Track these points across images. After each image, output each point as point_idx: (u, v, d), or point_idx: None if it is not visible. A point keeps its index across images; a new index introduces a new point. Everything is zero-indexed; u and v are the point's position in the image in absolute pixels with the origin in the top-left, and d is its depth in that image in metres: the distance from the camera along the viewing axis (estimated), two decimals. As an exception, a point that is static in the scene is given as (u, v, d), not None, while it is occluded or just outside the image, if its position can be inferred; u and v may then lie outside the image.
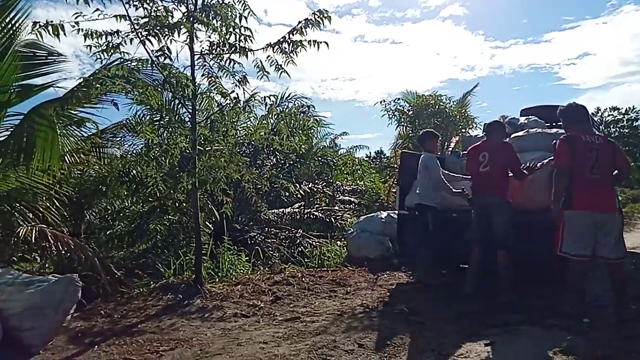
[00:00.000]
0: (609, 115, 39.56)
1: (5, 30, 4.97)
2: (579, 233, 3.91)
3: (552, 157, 4.94)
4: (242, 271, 6.00)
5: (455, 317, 4.15)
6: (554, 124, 6.86)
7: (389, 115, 12.13)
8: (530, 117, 6.60)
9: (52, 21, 3.98)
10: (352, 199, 10.67)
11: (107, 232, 7.42)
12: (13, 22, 4.96)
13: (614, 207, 4.08)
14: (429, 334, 3.75)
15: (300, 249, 7.35)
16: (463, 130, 12.05)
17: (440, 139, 6.10)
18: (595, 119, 7.44)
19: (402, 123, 12.55)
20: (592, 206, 3.93)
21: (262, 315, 4.40)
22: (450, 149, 12.24)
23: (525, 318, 4.05)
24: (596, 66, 69.69)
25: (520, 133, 5.98)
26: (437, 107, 11.97)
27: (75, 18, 4.05)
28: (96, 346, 3.65)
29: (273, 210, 8.59)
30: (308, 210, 8.95)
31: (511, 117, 6.68)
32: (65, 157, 5.17)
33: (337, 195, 10.56)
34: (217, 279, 5.55)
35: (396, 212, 6.41)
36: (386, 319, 4.23)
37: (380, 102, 12.16)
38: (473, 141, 7.21)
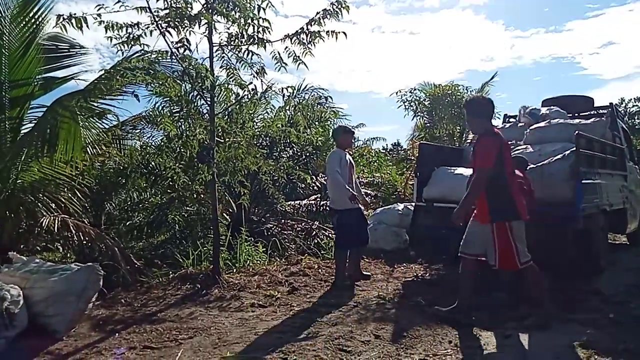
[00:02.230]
0: (633, 106, 38.55)
1: (29, 25, 5.09)
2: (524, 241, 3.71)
3: (574, 148, 4.87)
4: (259, 262, 6.05)
5: (472, 309, 4.12)
6: (576, 114, 6.75)
7: (405, 106, 12.00)
8: (552, 107, 6.49)
9: (75, 14, 4.04)
10: (369, 191, 10.63)
11: (127, 223, 7.54)
12: (37, 16, 5.06)
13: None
14: (445, 326, 3.74)
15: (316, 241, 7.36)
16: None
17: (354, 135, 5.96)
18: (620, 109, 7.25)
19: (419, 114, 12.40)
20: (526, 212, 3.72)
21: (279, 305, 4.44)
22: (469, 141, 12.10)
23: (543, 312, 4.00)
24: (620, 56, 68.00)
25: (542, 124, 5.89)
26: (454, 97, 11.79)
27: (98, 10, 4.10)
28: (117, 334, 3.73)
29: (289, 202, 8.61)
30: (324, 202, 8.95)
31: (532, 107, 6.58)
32: (88, 149, 5.27)
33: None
34: (235, 270, 5.61)
35: (413, 204, 6.38)
36: (402, 310, 4.23)
37: (396, 92, 11.99)
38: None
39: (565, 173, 4.86)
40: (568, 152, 4.98)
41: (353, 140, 5.56)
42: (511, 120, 7.36)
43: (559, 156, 5.01)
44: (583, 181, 4.81)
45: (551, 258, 5.10)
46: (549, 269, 5.11)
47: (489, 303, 4.26)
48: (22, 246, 5.43)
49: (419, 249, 6.43)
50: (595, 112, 6.93)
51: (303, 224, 8.25)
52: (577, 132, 4.99)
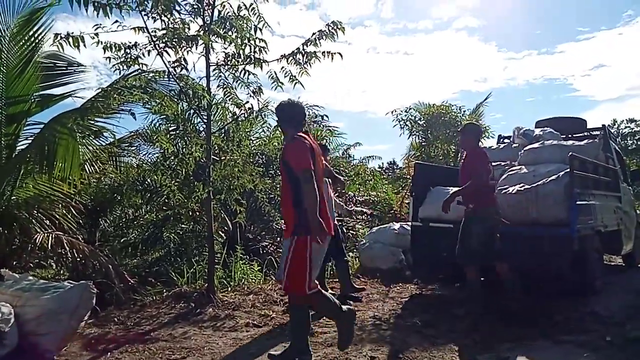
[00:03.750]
0: (625, 127, 38.96)
1: (28, 43, 5.14)
2: (319, 263, 3.30)
3: (568, 170, 4.92)
4: (254, 281, 6.01)
5: (469, 331, 4.09)
6: (569, 135, 6.83)
7: (400, 125, 12.10)
8: (545, 128, 6.56)
9: (72, 33, 4.09)
10: (365, 210, 10.64)
11: (121, 240, 7.51)
12: (36, 34, 5.12)
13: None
14: (442, 348, 3.71)
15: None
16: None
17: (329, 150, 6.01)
18: (612, 131, 7.35)
19: (415, 133, 12.49)
20: (329, 228, 3.23)
21: (273, 325, 4.40)
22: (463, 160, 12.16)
23: (539, 332, 3.99)
24: (612, 78, 68.93)
25: (536, 145, 5.94)
26: (448, 116, 11.91)
27: (95, 30, 4.15)
28: (109, 353, 3.68)
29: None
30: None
31: (526, 128, 6.64)
32: (85, 166, 5.27)
33: (350, 206, 10.53)
34: (229, 288, 5.56)
35: (409, 223, 6.38)
36: (398, 331, 4.20)
37: (392, 112, 12.09)
38: (487, 152, 7.21)
39: (560, 194, 4.89)
40: (562, 173, 5.01)
41: (328, 157, 5.57)
42: (505, 140, 7.43)
43: (553, 177, 5.04)
44: (577, 202, 4.84)
45: (546, 279, 5.11)
46: (544, 289, 5.13)
47: (486, 323, 4.24)
48: (14, 262, 5.38)
49: (421, 270, 6.36)
50: (589, 134, 7.01)
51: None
52: (570, 153, 5.03)
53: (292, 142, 3.26)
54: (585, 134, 7.07)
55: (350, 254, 7.73)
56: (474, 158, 4.71)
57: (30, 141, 5.40)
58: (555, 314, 4.49)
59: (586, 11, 69.19)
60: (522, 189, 5.13)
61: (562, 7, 69.65)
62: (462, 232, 4.61)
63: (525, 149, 6.00)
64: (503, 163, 6.22)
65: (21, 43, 5.17)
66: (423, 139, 12.09)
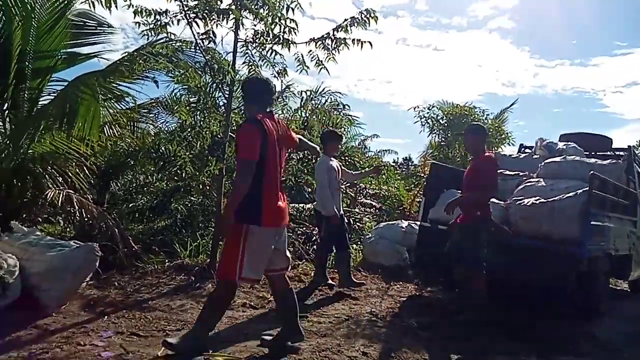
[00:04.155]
0: (651, 149, 38.11)
1: (61, -1, 5.11)
2: (263, 254, 3.07)
3: (587, 188, 4.81)
4: (256, 261, 6.02)
5: (465, 339, 4.06)
6: (593, 153, 6.67)
7: (421, 122, 11.96)
8: (569, 143, 6.41)
9: (105, -8, 4.05)
10: (374, 203, 10.59)
11: (130, 205, 7.56)
12: (69, -10, 5.10)
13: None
14: (435, 353, 3.69)
15: (315, 247, 7.33)
16: (497, 146, 11.78)
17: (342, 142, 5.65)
18: (637, 153, 7.16)
19: (435, 132, 12.35)
20: (282, 219, 3.14)
21: (269, 309, 4.41)
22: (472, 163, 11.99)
23: (534, 349, 3.94)
24: (643, 97, 67.13)
25: (558, 159, 5.82)
26: (470, 118, 11.73)
27: (128, -8, 4.11)
28: (106, 316, 3.73)
29: (293, 205, 8.59)
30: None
31: (549, 140, 6.51)
32: (104, 129, 5.28)
33: (359, 197, 10.49)
34: (231, 266, 5.58)
35: (417, 222, 6.33)
36: (393, 330, 4.18)
37: (414, 108, 11.96)
38: (506, 159, 7.10)
39: (575, 211, 4.79)
40: (580, 190, 4.90)
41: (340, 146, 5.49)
42: (527, 150, 7.29)
43: (571, 194, 4.94)
44: (592, 222, 4.74)
45: (550, 296, 5.04)
46: (547, 306, 5.06)
47: (483, 333, 4.20)
48: (24, 215, 5.46)
49: (422, 271, 6.32)
50: (613, 153, 6.84)
51: (304, 228, 8.22)
52: (592, 172, 4.92)
53: (244, 125, 3.11)
54: (609, 153, 6.90)
55: (354, 246, 7.72)
56: (490, 165, 4.53)
57: (52, 97, 5.43)
58: (554, 332, 4.43)
59: (626, 26, 67.26)
60: (537, 201, 5.03)
61: (601, 20, 67.85)
62: (472, 240, 4.43)
63: (546, 161, 5.88)
64: (521, 173, 6.11)
65: (54, -1, 5.17)
66: (442, 139, 11.94)
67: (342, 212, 5.31)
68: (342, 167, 5.47)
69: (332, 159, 5.24)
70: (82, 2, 4.22)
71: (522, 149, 7.51)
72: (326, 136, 5.41)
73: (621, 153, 6.69)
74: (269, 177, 3.00)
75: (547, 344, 4.08)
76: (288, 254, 3.37)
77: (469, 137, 4.60)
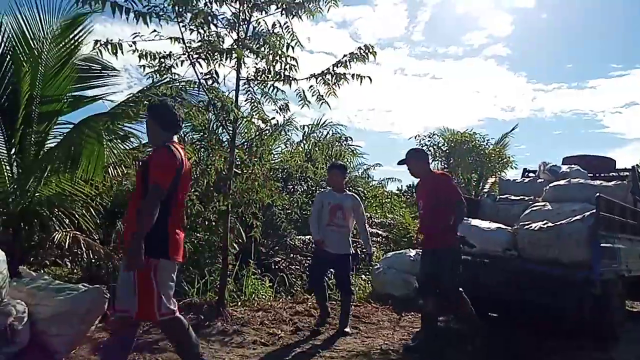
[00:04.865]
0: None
1: (68, 45, 5.29)
2: (171, 288, 2.92)
3: (594, 210, 4.79)
4: (264, 297, 5.97)
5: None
6: (597, 175, 6.68)
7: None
8: (572, 166, 6.43)
9: (112, 40, 4.19)
10: (380, 232, 10.54)
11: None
12: (76, 37, 5.27)
13: None
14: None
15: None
16: (499, 171, 11.83)
17: (344, 171, 5.26)
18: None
19: (437, 159, 12.44)
20: (182, 253, 3.00)
21: (281, 345, 4.34)
22: (485, 190, 12.02)
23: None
24: (643, 116, 67.37)
25: (562, 182, 5.82)
26: (472, 144, 11.83)
27: (133, 38, 4.25)
28: None
29: (300, 237, 8.56)
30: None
31: (553, 164, 6.53)
32: (109, 170, 5.34)
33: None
34: (239, 303, 5.53)
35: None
36: (408, 363, 4.10)
37: (415, 136, 12.13)
38: (510, 184, 7.11)
39: (584, 235, 4.75)
40: (587, 213, 4.88)
41: (342, 178, 5.15)
42: (530, 175, 7.31)
43: (578, 217, 4.91)
44: (602, 245, 4.70)
45: (565, 321, 4.95)
46: (562, 331, 4.96)
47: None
48: (32, 259, 5.45)
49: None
50: (617, 174, 6.85)
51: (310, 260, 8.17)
52: (598, 194, 4.91)
53: (162, 151, 2.84)
54: (614, 174, 6.91)
55: (363, 276, 7.65)
56: (445, 183, 4.38)
57: (58, 140, 5.52)
58: (570, 357, 4.33)
59: (621, 48, 68.19)
60: (545, 226, 5.00)
61: (595, 43, 68.77)
62: (454, 262, 4.28)
63: (550, 185, 5.89)
64: (527, 198, 6.11)
65: (61, 45, 5.34)
66: (445, 165, 12.01)
67: (345, 252, 4.91)
68: (355, 208, 5.02)
69: (335, 192, 5.05)
70: (91, 51, 4.31)
71: (526, 174, 7.53)
72: (328, 168, 5.45)
73: (626, 174, 6.70)
74: (176, 208, 2.87)
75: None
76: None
77: (412, 163, 4.51)
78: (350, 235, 5.02)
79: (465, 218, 4.55)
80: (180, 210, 2.94)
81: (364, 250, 5.19)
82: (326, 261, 4.96)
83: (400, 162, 4.53)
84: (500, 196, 6.76)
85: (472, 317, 4.45)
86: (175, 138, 2.99)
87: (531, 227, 5.08)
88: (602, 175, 6.75)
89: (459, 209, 4.26)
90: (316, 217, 4.96)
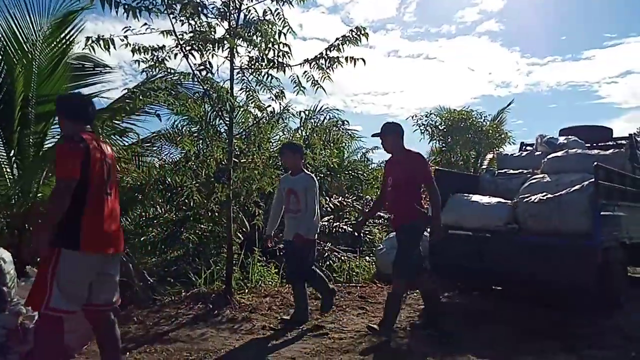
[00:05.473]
0: (652, 135, 38.04)
1: (60, 44, 5.27)
2: (79, 283, 2.73)
3: (592, 180, 4.82)
4: (271, 283, 6.04)
5: (489, 342, 4.04)
6: (594, 144, 6.70)
7: (420, 130, 12.05)
8: (569, 137, 6.45)
9: (103, 35, 4.18)
10: (381, 213, 10.59)
11: (141, 238, 7.58)
12: (68, 36, 5.26)
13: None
14: (460, 359, 3.67)
15: (328, 263, 7.33)
16: (497, 147, 11.83)
17: (295, 152, 4.75)
18: (639, 139, 7.18)
19: (435, 138, 12.42)
20: (108, 244, 2.82)
21: (290, 329, 4.41)
22: (484, 167, 12.04)
23: (561, 346, 3.92)
24: (639, 85, 67.11)
25: (560, 153, 5.85)
26: (469, 122, 11.82)
27: (125, 32, 4.23)
28: (128, 353, 3.73)
29: (302, 222, 8.61)
30: (337, 224, 8.93)
31: (550, 136, 6.54)
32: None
33: (367, 210, 10.50)
34: (247, 290, 5.60)
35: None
36: (416, 341, 4.17)
37: (412, 117, 12.08)
38: (508, 159, 7.13)
39: (584, 204, 4.79)
40: (586, 183, 4.91)
41: (295, 159, 4.67)
42: (528, 148, 7.32)
43: (577, 187, 4.95)
44: (602, 213, 4.75)
45: (568, 291, 5.02)
46: (565, 301, 5.04)
47: (506, 334, 4.18)
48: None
49: (439, 277, 6.28)
50: (614, 143, 6.87)
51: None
52: (595, 162, 4.94)
53: (64, 143, 2.77)
54: (611, 143, 6.92)
55: (367, 258, 7.72)
56: (422, 164, 4.25)
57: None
58: (577, 327, 4.41)
59: (614, 17, 67.42)
60: (544, 198, 5.04)
61: (588, 13, 68.01)
62: (413, 237, 4.17)
63: (548, 157, 5.92)
64: (525, 171, 6.14)
65: (53, 45, 5.33)
66: (443, 145, 12.00)
67: (293, 237, 4.51)
68: (308, 190, 4.51)
69: (291, 175, 4.71)
70: (83, 48, 4.30)
71: (523, 147, 7.54)
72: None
73: (623, 142, 6.71)
74: (92, 199, 2.74)
75: (573, 340, 4.06)
76: (117, 290, 3.01)
77: (387, 137, 4.27)
78: (311, 218, 4.50)
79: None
80: (100, 201, 2.77)
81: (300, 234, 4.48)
82: (289, 250, 4.72)
83: (375, 135, 4.30)
84: (499, 171, 6.79)
85: (435, 296, 4.41)
86: (87, 127, 2.87)
87: (531, 199, 5.12)
88: (600, 144, 6.76)
89: (435, 194, 4.16)
90: (274, 207, 4.77)
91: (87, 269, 2.73)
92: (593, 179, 4.81)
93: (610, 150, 6.09)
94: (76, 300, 2.73)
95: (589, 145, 6.47)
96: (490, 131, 11.81)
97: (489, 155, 12.62)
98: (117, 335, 3.02)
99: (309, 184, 4.54)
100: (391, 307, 4.18)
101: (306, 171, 4.80)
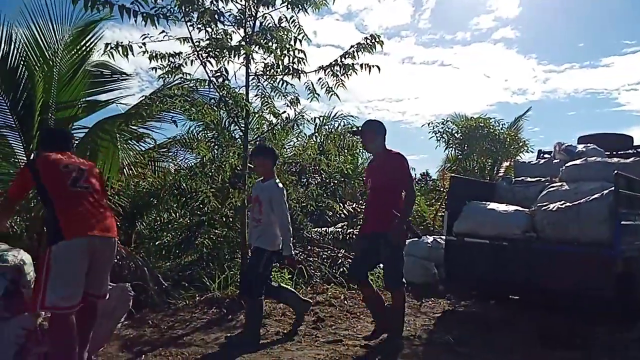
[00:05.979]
0: (673, 143, 37.15)
1: (80, 52, 5.39)
2: (73, 271, 2.93)
3: (612, 188, 4.73)
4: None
5: (505, 351, 3.98)
6: (614, 152, 6.57)
7: (437, 137, 11.96)
8: (588, 145, 6.34)
9: (122, 42, 4.26)
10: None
11: (156, 243, 7.67)
12: (87, 44, 5.38)
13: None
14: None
15: (342, 269, 7.30)
16: (514, 155, 11.68)
17: (264, 156, 4.33)
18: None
19: (451, 145, 12.32)
20: (92, 227, 3.01)
21: (303, 335, 4.39)
22: (500, 175, 11.90)
23: (580, 357, 3.83)
24: (659, 92, 65.77)
25: (579, 161, 5.75)
26: (486, 130, 11.70)
27: (143, 40, 4.31)
28: (144, 355, 3.76)
29: (316, 229, 8.61)
30: (350, 230, 8.91)
31: (568, 144, 6.44)
32: (124, 170, 5.44)
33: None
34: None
35: (442, 237, 6.27)
36: (430, 348, 4.12)
37: (428, 124, 12.00)
38: (526, 167, 7.04)
39: (603, 213, 4.70)
40: (606, 191, 4.82)
41: (264, 164, 4.28)
42: (546, 156, 7.22)
43: (596, 195, 4.86)
44: (622, 222, 4.65)
45: (588, 301, 4.91)
46: (585, 312, 4.93)
47: (524, 343, 4.10)
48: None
49: (455, 285, 6.21)
50: (635, 151, 6.73)
51: (329, 251, 8.21)
52: (616, 171, 4.85)
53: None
54: (632, 151, 6.79)
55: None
56: (403, 165, 3.97)
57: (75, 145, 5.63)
58: (598, 339, 4.31)
59: (632, 24, 66.50)
60: (563, 206, 4.96)
61: (606, 20, 67.26)
62: (400, 250, 4.03)
63: (567, 165, 5.81)
64: (543, 179, 6.05)
65: (73, 52, 5.45)
66: (459, 152, 11.89)
67: (258, 244, 4.18)
68: (272, 198, 4.12)
69: (261, 182, 4.36)
70: (102, 55, 4.40)
71: (541, 155, 7.44)
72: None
73: (643, 150, 6.58)
74: (60, 198, 2.97)
75: (593, 352, 3.96)
76: (107, 281, 3.19)
77: (368, 135, 4.07)
78: (270, 230, 4.16)
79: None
80: (70, 197, 3.01)
81: (281, 251, 4.19)
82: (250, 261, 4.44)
83: (355, 133, 4.09)
84: (516, 179, 6.71)
85: (400, 314, 4.11)
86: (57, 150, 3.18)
87: (549, 207, 5.04)
88: (620, 152, 6.64)
89: (410, 197, 4.00)
90: (251, 215, 4.42)
91: (77, 256, 2.90)
92: (613, 188, 4.72)
93: (631, 159, 5.96)
94: (70, 294, 2.88)
95: (608, 153, 6.36)
96: (508, 139, 11.66)
97: (505, 163, 12.46)
98: (93, 323, 3.26)
99: (274, 195, 4.12)
100: (397, 321, 4.07)
101: (276, 178, 4.35)
